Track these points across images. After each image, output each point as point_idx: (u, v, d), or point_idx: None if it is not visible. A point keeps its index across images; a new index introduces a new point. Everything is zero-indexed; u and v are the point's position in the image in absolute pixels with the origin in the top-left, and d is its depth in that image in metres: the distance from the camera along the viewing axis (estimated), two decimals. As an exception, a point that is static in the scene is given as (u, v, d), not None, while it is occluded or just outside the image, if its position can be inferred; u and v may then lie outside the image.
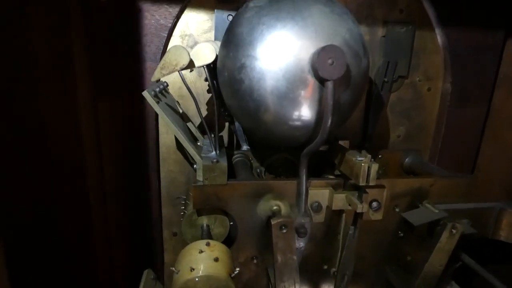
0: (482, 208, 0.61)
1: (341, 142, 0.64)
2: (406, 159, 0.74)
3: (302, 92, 0.43)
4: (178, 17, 0.66)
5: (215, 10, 0.67)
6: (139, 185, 0.73)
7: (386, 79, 0.75)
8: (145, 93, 0.49)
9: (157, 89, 0.54)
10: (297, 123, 0.46)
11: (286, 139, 0.49)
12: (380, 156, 0.75)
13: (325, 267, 0.61)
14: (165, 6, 0.64)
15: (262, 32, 0.43)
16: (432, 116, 0.82)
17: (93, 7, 0.62)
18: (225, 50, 0.47)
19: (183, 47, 0.49)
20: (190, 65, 0.49)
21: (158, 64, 0.65)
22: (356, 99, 0.49)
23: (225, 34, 0.49)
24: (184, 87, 0.54)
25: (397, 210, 0.60)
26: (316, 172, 0.66)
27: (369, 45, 0.73)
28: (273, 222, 0.48)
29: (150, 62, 0.67)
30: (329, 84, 0.41)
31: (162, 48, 0.66)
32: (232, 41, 0.46)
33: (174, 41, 0.68)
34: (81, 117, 0.67)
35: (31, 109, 0.56)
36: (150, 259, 0.78)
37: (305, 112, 0.45)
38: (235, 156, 0.68)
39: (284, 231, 0.48)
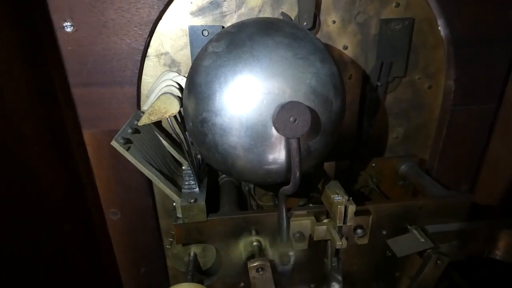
0: (476, 228, 0.59)
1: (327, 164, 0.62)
2: (402, 167, 0.72)
3: (267, 147, 0.41)
4: (150, 37, 0.63)
5: (189, 25, 0.63)
6: (137, 201, 0.76)
7: (379, 83, 0.70)
8: (114, 143, 0.49)
9: (129, 130, 0.53)
10: (267, 172, 0.45)
11: (259, 183, 0.49)
12: (373, 164, 0.72)
13: (312, 286, 0.63)
14: (134, 28, 0.61)
15: (220, 86, 0.40)
16: (433, 115, 0.77)
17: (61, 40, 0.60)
18: (187, 99, 0.45)
19: (174, 96, 0.47)
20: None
21: (135, 89, 0.66)
22: (329, 142, 0.46)
23: (188, 77, 0.46)
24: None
25: (384, 233, 0.59)
26: (304, 190, 0.66)
27: (361, 46, 0.69)
28: (249, 265, 0.49)
29: (127, 86, 0.65)
30: (293, 142, 0.39)
31: (137, 70, 0.64)
32: (192, 92, 0.44)
33: (150, 61, 0.65)
34: (69, 144, 0.69)
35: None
36: (152, 261, 0.83)
37: (273, 163, 0.43)
38: (222, 176, 0.68)
39: (261, 273, 0.49)
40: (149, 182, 0.75)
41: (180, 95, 0.48)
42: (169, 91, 0.47)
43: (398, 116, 0.77)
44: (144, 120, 0.47)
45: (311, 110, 0.39)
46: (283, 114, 0.37)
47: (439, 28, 0.69)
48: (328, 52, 0.45)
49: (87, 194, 0.75)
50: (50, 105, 0.67)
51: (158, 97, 0.46)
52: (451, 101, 0.73)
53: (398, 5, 0.67)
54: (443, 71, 0.73)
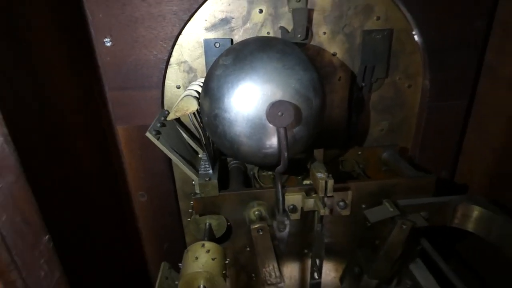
0: (440, 202, 0.73)
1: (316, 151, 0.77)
2: (384, 154, 0.86)
3: (263, 135, 0.57)
4: (172, 49, 0.79)
5: (203, 39, 0.79)
6: (160, 186, 0.92)
7: (364, 83, 0.84)
8: (148, 134, 0.65)
9: (158, 124, 0.69)
10: (264, 155, 0.60)
11: (259, 164, 0.64)
12: (360, 152, 0.87)
13: (306, 251, 0.78)
14: (160, 42, 0.77)
15: (228, 90, 0.56)
16: (413, 111, 0.91)
17: (102, 53, 0.77)
18: (203, 99, 0.61)
19: (193, 97, 0.63)
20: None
21: (160, 92, 0.82)
22: (311, 131, 0.61)
23: (204, 84, 0.62)
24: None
25: (363, 206, 0.73)
26: (298, 171, 0.80)
27: (349, 53, 0.83)
28: (252, 227, 0.65)
29: (154, 90, 0.81)
30: (281, 130, 0.54)
31: (162, 77, 0.81)
32: (207, 94, 0.59)
33: (172, 69, 0.82)
34: (105, 138, 0.86)
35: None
36: (174, 238, 0.99)
37: (268, 148, 0.59)
38: (232, 162, 0.84)
39: (261, 233, 0.65)
40: (171, 169, 0.92)
41: (198, 97, 0.64)
42: (190, 94, 0.63)
43: (383, 112, 0.91)
44: (171, 116, 0.63)
45: (295, 107, 0.54)
46: (273, 109, 0.53)
47: (415, 36, 0.83)
48: (310, 63, 0.60)
49: (119, 179, 0.92)
50: (91, 105, 0.84)
51: (182, 98, 0.62)
52: (428, 98, 0.87)
53: (378, 18, 0.81)
54: (420, 72, 0.87)
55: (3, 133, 0.37)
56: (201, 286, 0.60)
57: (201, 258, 0.61)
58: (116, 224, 0.90)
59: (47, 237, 0.41)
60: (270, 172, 0.84)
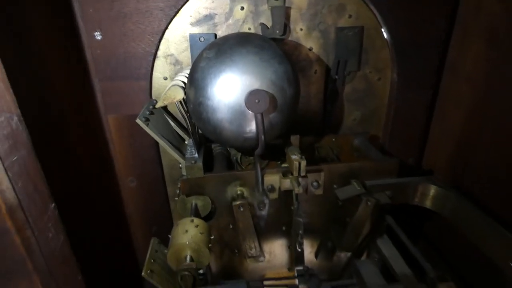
0: (403, 183, 0.82)
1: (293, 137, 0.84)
2: (355, 141, 0.94)
3: (243, 121, 0.64)
4: (159, 42, 0.85)
5: (189, 33, 0.85)
6: (149, 172, 0.99)
7: (337, 76, 0.92)
8: (138, 120, 0.72)
9: (147, 112, 0.76)
10: (244, 139, 0.68)
11: (240, 147, 0.71)
12: (334, 139, 0.95)
13: (284, 228, 0.86)
14: (147, 36, 0.83)
15: (211, 80, 0.63)
16: (383, 101, 0.99)
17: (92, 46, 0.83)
18: (189, 89, 0.68)
19: (180, 87, 0.69)
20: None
21: (148, 83, 0.88)
22: (286, 118, 0.69)
23: (189, 75, 0.69)
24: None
25: (335, 186, 0.82)
26: (277, 157, 0.88)
27: (324, 48, 0.91)
28: (233, 204, 0.72)
29: (142, 81, 0.87)
30: (258, 116, 0.61)
31: (150, 69, 0.87)
32: (192, 84, 0.66)
33: (160, 61, 0.88)
34: (96, 126, 0.92)
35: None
36: (162, 221, 1.05)
37: (248, 132, 0.66)
38: (216, 148, 0.91)
39: (242, 209, 0.72)
40: (159, 156, 0.98)
41: (184, 86, 0.71)
42: (176, 84, 0.70)
43: (355, 103, 0.99)
44: (160, 104, 0.70)
45: (270, 95, 0.62)
46: (251, 97, 0.60)
47: (384, 33, 0.91)
48: (284, 56, 0.68)
49: (109, 166, 0.98)
50: (83, 95, 0.89)
51: (169, 87, 0.68)
52: (396, 90, 0.96)
53: (350, 16, 0.89)
54: (388, 66, 0.95)
55: (17, 113, 0.43)
56: (188, 256, 0.67)
57: (190, 231, 0.68)
58: (108, 206, 0.96)
59: (53, 205, 0.48)
60: (251, 157, 0.91)
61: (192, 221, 0.72)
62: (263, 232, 0.86)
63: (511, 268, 0.63)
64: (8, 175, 0.40)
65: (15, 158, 0.42)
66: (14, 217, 0.41)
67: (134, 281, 1.07)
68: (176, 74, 0.89)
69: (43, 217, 0.46)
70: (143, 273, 0.67)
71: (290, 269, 0.91)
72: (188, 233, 0.67)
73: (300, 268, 0.79)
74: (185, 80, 0.73)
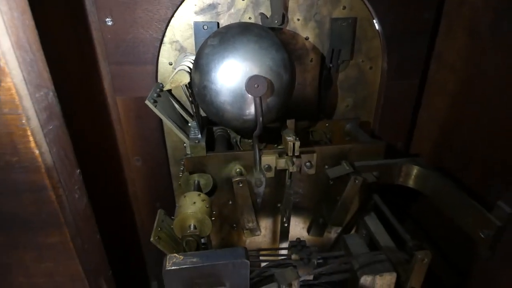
0: (388, 163, 0.90)
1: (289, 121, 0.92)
2: (347, 126, 1.02)
3: (243, 104, 0.71)
4: (165, 29, 0.92)
5: (193, 21, 0.92)
6: (154, 152, 1.06)
7: (331, 64, 0.99)
8: (147, 102, 0.79)
9: (155, 94, 0.83)
10: (244, 120, 0.75)
11: (240, 128, 0.79)
12: (327, 124, 1.03)
13: (279, 205, 0.94)
14: (155, 23, 0.90)
15: (215, 65, 0.70)
16: (374, 89, 1.07)
17: (104, 31, 0.89)
18: (194, 73, 0.75)
19: (186, 71, 0.76)
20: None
21: (155, 67, 0.95)
22: (282, 102, 0.76)
23: (194, 60, 0.76)
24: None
25: (326, 167, 0.90)
26: (274, 140, 0.96)
27: (319, 37, 0.98)
28: (233, 180, 0.80)
29: (149, 65, 0.94)
30: (257, 99, 0.69)
31: (156, 54, 0.93)
32: (197, 69, 0.73)
33: (165, 47, 0.94)
34: (106, 107, 0.99)
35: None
36: (165, 198, 1.13)
37: (247, 114, 0.74)
38: (217, 131, 0.98)
39: (240, 185, 0.80)
40: (163, 137, 1.05)
41: (189, 71, 0.78)
42: (183, 69, 0.77)
43: (348, 90, 1.07)
44: (167, 86, 0.77)
45: (268, 80, 0.69)
46: (251, 82, 0.67)
47: (375, 24, 0.98)
48: (282, 45, 0.74)
49: (117, 145, 1.05)
50: (92, 77, 0.96)
51: (176, 71, 0.75)
52: (386, 78, 1.03)
53: (344, 7, 0.95)
54: (379, 56, 1.02)
55: (52, 89, 0.50)
56: (192, 224, 0.76)
57: (198, 203, 0.76)
58: (116, 182, 1.04)
59: (78, 171, 0.55)
60: (250, 140, 0.99)
61: (199, 195, 0.80)
62: (260, 209, 0.94)
63: (480, 236, 0.71)
64: (46, 141, 0.48)
65: (51, 127, 0.49)
66: (50, 176, 0.48)
67: (135, 253, 1.16)
68: (179, 59, 0.95)
69: (71, 180, 0.53)
70: (151, 239, 0.75)
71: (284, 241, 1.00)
72: (195, 205, 0.75)
73: (293, 240, 0.87)
74: (191, 65, 0.79)
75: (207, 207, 0.76)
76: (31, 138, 0.44)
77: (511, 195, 0.68)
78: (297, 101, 1.04)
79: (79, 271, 0.56)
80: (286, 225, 0.92)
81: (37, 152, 0.44)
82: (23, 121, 0.43)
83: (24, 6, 0.47)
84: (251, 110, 0.74)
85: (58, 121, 0.52)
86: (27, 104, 0.44)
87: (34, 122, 0.45)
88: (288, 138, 0.80)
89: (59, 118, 0.52)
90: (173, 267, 0.64)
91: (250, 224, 0.90)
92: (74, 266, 0.55)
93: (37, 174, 0.46)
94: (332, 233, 1.03)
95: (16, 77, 0.43)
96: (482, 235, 0.71)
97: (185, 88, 0.78)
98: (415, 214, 1.18)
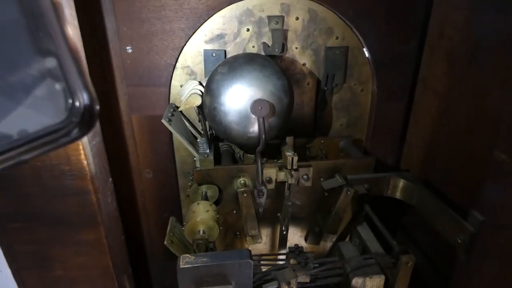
0: (378, 177, 1.01)
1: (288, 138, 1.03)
2: (341, 143, 1.14)
3: (248, 123, 0.83)
4: (178, 56, 1.05)
5: (203, 49, 1.05)
6: (164, 165, 1.17)
7: (326, 87, 1.12)
8: (163, 121, 0.90)
9: (170, 114, 0.95)
10: (248, 137, 0.87)
11: (244, 144, 0.90)
12: (323, 141, 1.14)
13: (278, 214, 1.05)
14: (169, 51, 1.03)
15: (224, 90, 0.82)
16: (366, 109, 1.19)
17: (124, 57, 1.02)
18: (206, 96, 0.87)
19: (198, 94, 0.89)
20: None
21: (168, 89, 1.07)
22: (282, 122, 0.88)
23: (206, 85, 0.88)
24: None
25: (322, 179, 1.01)
26: (275, 155, 1.07)
27: (315, 63, 1.11)
28: (238, 190, 0.91)
29: (163, 87, 1.07)
30: (260, 119, 0.81)
31: (169, 78, 1.06)
32: (208, 92, 0.86)
33: (178, 71, 1.07)
34: (122, 124, 1.11)
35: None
36: (172, 209, 1.24)
37: (251, 132, 0.86)
38: (223, 146, 1.10)
39: (245, 195, 0.91)
40: (173, 152, 1.17)
41: (201, 94, 0.90)
42: (195, 92, 0.89)
43: (342, 110, 1.19)
44: (182, 107, 0.89)
45: (270, 103, 0.81)
46: (255, 105, 0.79)
47: (365, 52, 1.11)
48: (282, 73, 0.87)
49: (130, 158, 1.17)
50: (111, 97, 1.08)
51: (190, 95, 0.87)
52: (376, 100, 1.16)
53: (337, 38, 1.09)
54: (370, 80, 1.15)
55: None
56: (201, 230, 0.86)
57: (210, 212, 0.87)
58: (129, 192, 1.15)
59: (110, 179, 0.66)
60: (252, 155, 1.10)
61: (211, 205, 0.91)
62: (262, 219, 1.05)
63: (458, 242, 0.82)
64: (91, 153, 0.59)
65: (94, 142, 0.61)
66: (93, 183, 0.59)
67: (141, 261, 1.25)
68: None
69: (106, 187, 0.64)
70: (165, 242, 0.86)
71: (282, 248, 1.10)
72: (208, 213, 0.86)
73: (291, 246, 0.98)
74: (202, 89, 0.92)
75: (217, 216, 0.87)
76: (82, 152, 0.55)
77: (483, 204, 0.79)
78: (295, 120, 1.16)
79: (109, 266, 0.66)
80: (284, 233, 1.03)
81: (85, 162, 0.56)
82: (76, 137, 0.54)
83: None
84: (255, 128, 0.86)
85: (99, 138, 0.63)
86: (78, 122, 0.55)
87: (84, 138, 0.56)
88: (287, 153, 0.91)
89: (99, 134, 0.64)
90: (186, 266, 0.74)
91: (253, 231, 1.00)
92: (106, 261, 0.65)
93: (83, 181, 0.57)
94: (328, 242, 1.14)
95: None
96: (459, 241, 0.82)
97: (197, 109, 0.90)
98: (406, 225, 1.29)
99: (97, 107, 0.28)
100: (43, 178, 0.58)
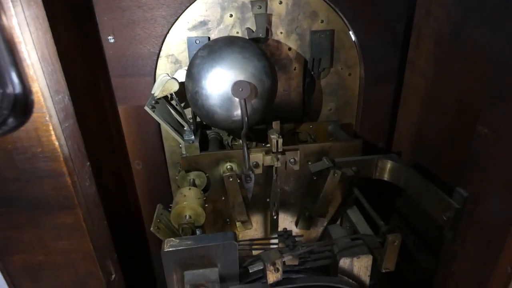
0: (365, 159, 1.01)
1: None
2: (329, 127, 1.13)
3: (230, 106, 0.83)
4: (162, 44, 1.04)
5: (187, 37, 1.04)
6: (153, 156, 1.17)
7: (313, 72, 1.11)
8: (146, 108, 0.90)
9: (153, 101, 0.95)
10: (232, 121, 0.86)
11: (229, 128, 0.90)
12: (311, 126, 1.14)
13: (267, 200, 1.05)
14: (152, 39, 1.03)
15: (205, 74, 0.82)
16: (354, 93, 1.18)
17: (106, 47, 1.02)
18: (187, 81, 0.87)
19: (176, 80, 0.88)
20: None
21: (153, 79, 1.07)
22: (265, 104, 0.88)
23: (187, 70, 0.88)
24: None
25: (309, 163, 1.01)
26: (263, 140, 1.07)
27: (301, 48, 1.10)
28: (224, 175, 0.91)
29: (148, 77, 1.06)
30: (242, 101, 0.80)
31: (154, 67, 1.06)
32: (189, 77, 0.85)
33: (162, 60, 1.07)
34: (109, 116, 1.11)
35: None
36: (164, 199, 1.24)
37: (235, 115, 0.85)
38: (210, 133, 1.10)
39: (231, 179, 0.91)
40: (162, 142, 1.17)
41: (178, 80, 0.89)
42: (173, 77, 0.89)
43: (330, 95, 1.18)
44: (160, 94, 0.89)
45: (251, 85, 0.81)
46: (236, 86, 0.79)
47: (351, 35, 1.10)
48: (263, 54, 0.86)
49: (119, 150, 1.17)
50: (98, 89, 1.08)
51: (167, 81, 0.87)
52: (364, 84, 1.15)
53: (322, 21, 1.08)
54: (357, 63, 1.14)
55: (68, 94, 0.61)
56: (187, 215, 0.86)
57: (201, 199, 0.87)
58: (119, 184, 1.15)
59: (88, 163, 0.66)
60: (240, 141, 1.10)
61: (189, 189, 0.91)
62: (251, 205, 1.04)
63: (443, 219, 0.81)
64: (64, 135, 0.59)
65: (67, 124, 0.60)
66: (67, 165, 0.59)
67: (143, 255, 1.26)
68: (176, 71, 1.07)
69: (83, 170, 0.64)
70: (151, 228, 0.86)
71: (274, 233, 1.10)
72: (189, 197, 0.86)
73: (280, 231, 0.97)
74: (173, 60, 0.91)
75: (197, 198, 0.87)
76: (52, 133, 0.55)
77: (467, 181, 0.78)
78: (284, 106, 1.16)
79: (90, 249, 0.67)
80: (275, 217, 1.02)
81: (57, 143, 0.56)
82: (47, 118, 0.55)
83: (46, 27, 0.60)
84: (237, 111, 0.85)
85: (72, 120, 0.63)
86: (49, 104, 0.56)
87: (55, 120, 0.56)
88: (272, 136, 0.91)
89: (73, 117, 0.64)
90: (170, 249, 0.74)
91: (242, 217, 1.00)
92: (86, 244, 0.66)
93: (56, 163, 0.57)
94: (319, 227, 1.13)
95: (41, 83, 0.55)
96: (445, 218, 0.81)
97: (173, 95, 0.90)
98: (400, 209, 1.28)
99: (32, 97, 0.27)
100: (16, 160, 0.58)
